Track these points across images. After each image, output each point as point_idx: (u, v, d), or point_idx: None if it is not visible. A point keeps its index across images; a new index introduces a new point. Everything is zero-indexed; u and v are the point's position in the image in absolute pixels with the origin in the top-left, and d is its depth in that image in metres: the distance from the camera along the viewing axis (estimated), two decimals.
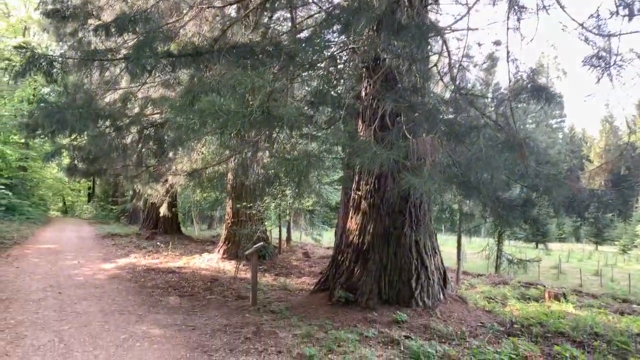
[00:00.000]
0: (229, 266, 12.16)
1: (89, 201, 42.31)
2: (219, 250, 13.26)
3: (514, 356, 5.28)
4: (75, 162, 11.28)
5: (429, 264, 7.38)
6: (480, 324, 6.90)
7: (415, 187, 4.25)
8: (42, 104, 6.62)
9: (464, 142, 4.99)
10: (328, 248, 20.93)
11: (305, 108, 5.28)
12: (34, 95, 26.22)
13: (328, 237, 23.93)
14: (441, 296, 7.44)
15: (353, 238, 7.66)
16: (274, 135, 6.22)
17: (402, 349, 5.72)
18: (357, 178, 7.96)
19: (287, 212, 13.62)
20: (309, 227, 18.13)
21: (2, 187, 19.07)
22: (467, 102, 5.84)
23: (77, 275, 10.43)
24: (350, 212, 8.01)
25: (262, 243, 7.84)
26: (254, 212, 12.18)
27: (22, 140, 25.50)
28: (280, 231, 16.98)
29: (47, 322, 6.60)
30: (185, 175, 9.81)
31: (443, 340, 6.16)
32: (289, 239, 19.74)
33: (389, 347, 5.86)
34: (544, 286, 11.14)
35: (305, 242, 23.23)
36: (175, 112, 4.77)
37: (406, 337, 6.15)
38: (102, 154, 10.99)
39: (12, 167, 22.91)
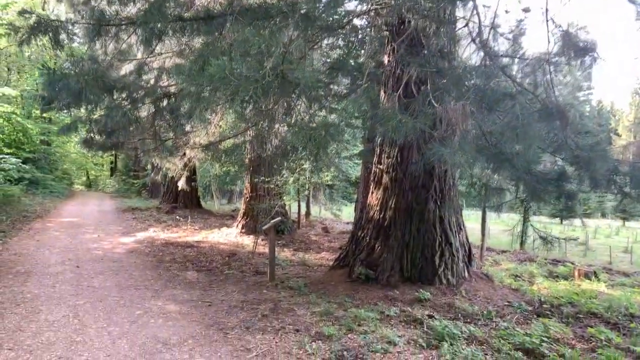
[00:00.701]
0: (248, 241, 12.03)
1: (111, 175, 42.80)
2: (237, 224, 13.13)
3: (545, 339, 4.97)
4: (92, 135, 11.15)
5: (454, 241, 7.06)
6: (507, 303, 6.59)
7: (444, 159, 3.91)
8: (43, 69, 6.35)
9: (496, 111, 4.61)
10: (347, 223, 20.70)
11: (323, 76, 4.91)
12: (55, 70, 26.18)
13: (348, 212, 23.70)
14: (466, 274, 7.13)
15: (374, 214, 7.36)
16: (291, 104, 5.89)
17: (425, 329, 5.46)
18: (378, 151, 7.61)
19: (306, 186, 13.37)
20: (328, 202, 17.87)
21: (21, 160, 19.16)
22: (498, 68, 5.40)
23: (95, 249, 10.41)
24: (371, 187, 7.69)
25: (279, 218, 7.62)
26: (272, 186, 11.95)
27: (45, 115, 25.69)
28: (299, 206, 16.77)
29: (62, 296, 6.52)
30: (201, 148, 9.57)
31: (468, 320, 5.88)
32: (308, 213, 19.55)
33: (412, 327, 5.61)
34: (573, 264, 10.71)
35: (324, 216, 23.05)
36: (185, 79, 4.48)
37: (429, 316, 5.88)
38: (118, 126, 10.81)
39: (34, 142, 23.07)
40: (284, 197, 12.01)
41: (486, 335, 5.22)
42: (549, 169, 5.45)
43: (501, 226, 20.45)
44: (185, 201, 20.96)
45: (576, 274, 8.94)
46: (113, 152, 39.74)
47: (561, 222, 33.06)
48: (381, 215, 7.20)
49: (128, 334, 5.11)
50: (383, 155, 7.43)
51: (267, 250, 11.00)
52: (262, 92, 3.74)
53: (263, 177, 11.44)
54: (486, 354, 4.66)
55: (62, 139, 30.72)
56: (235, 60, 3.74)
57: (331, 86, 5.23)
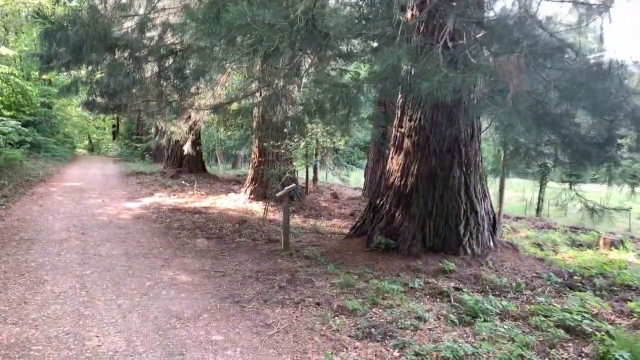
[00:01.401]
0: (257, 207, 11.70)
1: (113, 139, 42.32)
2: (245, 190, 12.77)
3: (586, 314, 4.64)
4: (94, 97, 10.67)
5: (480, 209, 6.69)
6: (535, 275, 6.26)
7: (500, 120, 3.47)
8: (38, 17, 5.84)
9: (545, 66, 4.14)
10: (355, 189, 20.38)
11: (356, 25, 4.42)
12: (52, 20, 25.34)
13: (355, 178, 23.34)
14: (491, 243, 6.79)
15: (394, 180, 6.96)
16: (316, 58, 5.37)
17: (452, 302, 5.15)
18: (399, 113, 7.15)
19: (316, 151, 12.96)
20: (336, 167, 17.48)
21: (21, 123, 18.67)
22: (536, 23, 4.89)
23: (101, 214, 10.09)
24: (391, 152, 7.26)
25: (293, 185, 7.23)
26: (282, 151, 11.52)
27: (45, 77, 25.04)
28: (307, 171, 16.39)
29: (68, 265, 6.22)
30: (209, 110, 9.11)
31: (497, 292, 5.57)
32: (315, 179, 19.19)
33: (438, 300, 5.30)
34: (597, 232, 10.36)
35: (331, 182, 22.70)
36: (197, 29, 3.99)
37: (456, 288, 5.57)
38: (120, 88, 10.33)
39: (35, 104, 22.51)
40: (295, 163, 11.59)
41: (519, 310, 4.91)
42: (591, 132, 4.99)
43: (509, 192, 20.06)
44: (190, 165, 20.57)
45: (601, 242, 8.60)
46: (115, 116, 39.20)
47: (570, 187, 32.57)
48: (402, 182, 6.80)
49: (139, 307, 4.81)
50: (404, 118, 6.97)
51: (277, 216, 10.69)
52: (289, 43, 3.28)
53: (272, 142, 11.01)
54: (524, 332, 4.34)
55: (63, 102, 30.14)
56: (257, 5, 3.26)
57: (358, 39, 4.75)
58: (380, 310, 4.82)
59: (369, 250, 6.81)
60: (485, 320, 4.52)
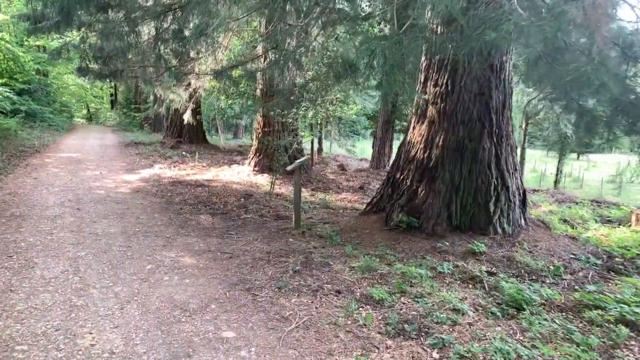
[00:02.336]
0: (262, 180, 11.11)
1: (112, 108, 41.43)
2: (249, 162, 12.15)
3: None
4: (86, 62, 9.96)
5: (511, 184, 6.10)
6: (572, 256, 5.72)
7: (587, 77, 2.85)
8: None
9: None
10: (361, 159, 19.80)
11: None
12: None
13: (359, 148, 22.70)
14: (522, 221, 6.23)
15: (417, 152, 6.35)
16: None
17: (487, 289, 4.62)
18: (422, 77, 6.48)
19: (323, 121, 12.31)
20: (341, 138, 16.81)
21: (15, 91, 17.87)
22: None
23: (98, 188, 9.52)
24: (413, 121, 6.62)
25: (305, 157, 6.62)
26: (289, 120, 10.85)
27: (39, 43, 24.07)
28: (312, 142, 15.73)
29: (61, 245, 5.68)
30: (211, 76, 8.42)
31: (534, 277, 5.04)
32: (320, 150, 18.55)
33: (470, 287, 4.77)
34: (626, 206, 9.80)
35: (335, 153, 22.06)
36: None
37: (489, 273, 5.03)
38: (115, 52, 9.61)
39: (28, 72, 21.64)
40: (303, 133, 10.94)
41: (564, 300, 4.38)
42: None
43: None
44: (190, 135, 19.89)
45: (634, 218, 8.03)
46: (113, 84, 38.26)
47: (577, 158, 32.03)
48: (426, 154, 6.19)
49: (138, 296, 4.28)
50: (428, 83, 6.30)
51: (284, 190, 10.12)
52: None
53: (279, 110, 10.33)
54: (579, 328, 3.81)
55: (59, 70, 29.24)
56: None
57: None
58: (409, 301, 4.29)
59: (389, 229, 6.25)
60: (532, 313, 3.99)
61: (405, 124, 16.57)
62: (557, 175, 13.00)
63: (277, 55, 6.58)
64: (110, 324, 3.73)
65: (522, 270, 5.16)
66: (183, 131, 20.02)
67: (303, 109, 10.66)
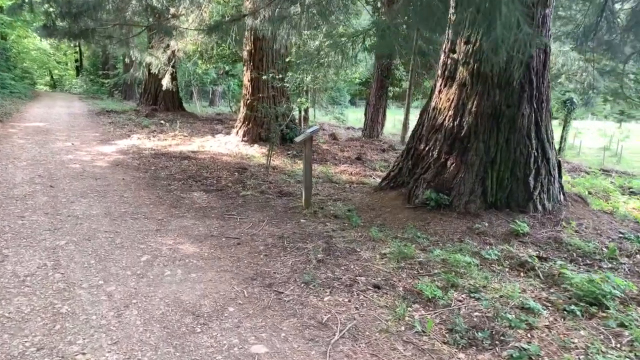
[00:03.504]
0: (253, 151, 10.23)
1: (77, 75, 39.15)
2: (237, 131, 11.20)
3: None
4: (52, 19, 8.79)
5: (551, 155, 5.44)
6: (620, 235, 5.15)
7: None
8: None
9: None
10: (348, 128, 19.03)
11: None
12: None
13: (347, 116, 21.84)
14: (561, 196, 5.61)
15: (444, 120, 5.60)
16: None
17: (541, 277, 4.00)
18: (450, 34, 5.68)
19: (325, 86, 11.46)
20: (329, 105, 15.94)
21: None
22: None
23: (72, 161, 8.51)
24: (438, 84, 5.84)
25: (317, 127, 5.78)
26: (286, 85, 9.92)
27: None
28: (300, 111, 14.80)
29: (35, 232, 4.80)
30: (204, 32, 7.42)
31: (588, 261, 4.44)
32: (306, 119, 17.64)
33: (522, 275, 4.14)
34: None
35: (320, 121, 21.14)
36: None
37: (540, 258, 4.40)
38: (85, 7, 8.47)
39: None
40: (300, 99, 10.01)
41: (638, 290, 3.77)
42: None
43: None
44: (166, 103, 18.64)
45: None
46: (78, 49, 36.03)
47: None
48: (456, 122, 5.45)
49: (137, 298, 3.49)
50: (459, 41, 5.51)
51: (279, 163, 9.30)
52: None
53: (273, 74, 9.42)
54: None
55: (19, 32, 27.17)
56: None
57: None
58: (465, 297, 3.63)
59: (413, 208, 5.55)
60: (617, 311, 3.36)
61: (398, 89, 15.81)
62: (561, 143, 12.55)
63: (269, 12, 5.69)
64: (107, 338, 2.96)
65: (574, 254, 4.56)
66: (158, 98, 18.78)
67: (300, 72, 9.77)
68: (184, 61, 17.13)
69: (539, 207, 5.28)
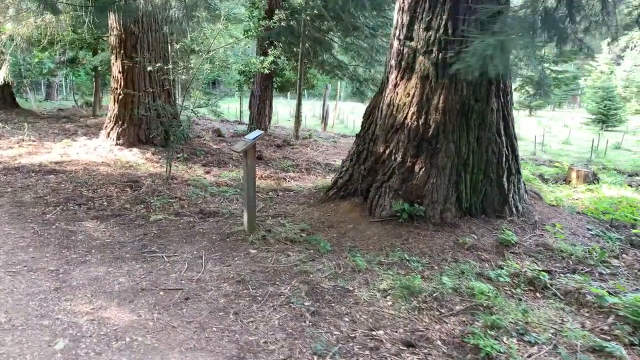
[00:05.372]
0: (134, 157, 8.46)
1: None
2: (108, 133, 9.23)
3: None
4: None
5: (518, 152, 5.05)
6: (589, 232, 4.96)
7: None
8: None
9: None
10: (223, 122, 17.60)
11: None
12: None
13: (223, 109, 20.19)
14: (526, 195, 5.27)
15: (406, 118, 4.85)
16: None
17: (559, 296, 3.53)
18: (404, 18, 4.93)
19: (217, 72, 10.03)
20: (203, 97, 14.33)
21: None
22: None
23: None
24: (394, 76, 5.07)
25: (260, 132, 4.60)
26: (172, 77, 8.32)
27: None
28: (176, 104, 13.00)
29: None
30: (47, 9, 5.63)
31: (586, 269, 4.10)
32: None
33: (539, 296, 3.61)
34: (559, 163, 9.70)
35: (192, 116, 19.18)
36: None
37: (546, 272, 3.92)
38: None
39: None
40: (195, 92, 8.48)
41: None
42: None
43: None
44: None
45: (574, 175, 7.78)
46: None
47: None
48: (421, 121, 4.74)
49: None
50: (417, 26, 4.79)
51: (176, 171, 7.80)
52: None
53: (153, 64, 7.82)
54: None
55: None
56: None
57: None
58: (517, 342, 2.93)
59: (380, 221, 4.75)
60: None
61: (281, 80, 14.85)
62: None
63: None
64: None
65: (570, 262, 4.21)
66: None
67: (187, 61, 8.29)
68: (15, 48, 14.02)
69: (514, 210, 4.87)
